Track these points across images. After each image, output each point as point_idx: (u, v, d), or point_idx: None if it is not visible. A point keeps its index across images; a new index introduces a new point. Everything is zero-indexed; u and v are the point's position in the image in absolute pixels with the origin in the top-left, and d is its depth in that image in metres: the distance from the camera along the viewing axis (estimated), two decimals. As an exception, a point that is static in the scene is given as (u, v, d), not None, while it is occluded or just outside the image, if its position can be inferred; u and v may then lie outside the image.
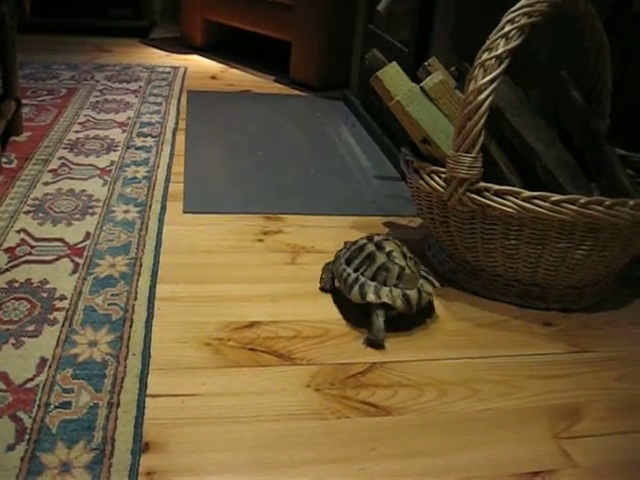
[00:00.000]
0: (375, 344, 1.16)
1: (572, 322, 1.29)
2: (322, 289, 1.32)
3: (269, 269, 1.37)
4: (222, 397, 1.01)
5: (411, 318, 1.22)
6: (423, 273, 1.24)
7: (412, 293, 1.18)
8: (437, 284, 1.25)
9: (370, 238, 1.27)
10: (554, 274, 1.28)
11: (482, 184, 1.21)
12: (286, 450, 0.92)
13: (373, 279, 1.19)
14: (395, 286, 1.18)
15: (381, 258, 1.20)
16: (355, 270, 1.21)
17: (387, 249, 1.22)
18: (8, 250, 1.35)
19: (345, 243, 1.34)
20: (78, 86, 2.51)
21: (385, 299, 1.16)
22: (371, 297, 1.17)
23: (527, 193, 1.19)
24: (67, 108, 2.24)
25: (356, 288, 1.19)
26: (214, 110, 2.35)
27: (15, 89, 1.94)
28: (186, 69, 2.86)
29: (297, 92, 2.68)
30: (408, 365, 1.12)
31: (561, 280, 1.29)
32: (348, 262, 1.24)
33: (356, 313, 1.24)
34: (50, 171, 1.74)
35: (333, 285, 1.30)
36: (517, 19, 1.20)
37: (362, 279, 1.19)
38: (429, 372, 1.11)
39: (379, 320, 1.16)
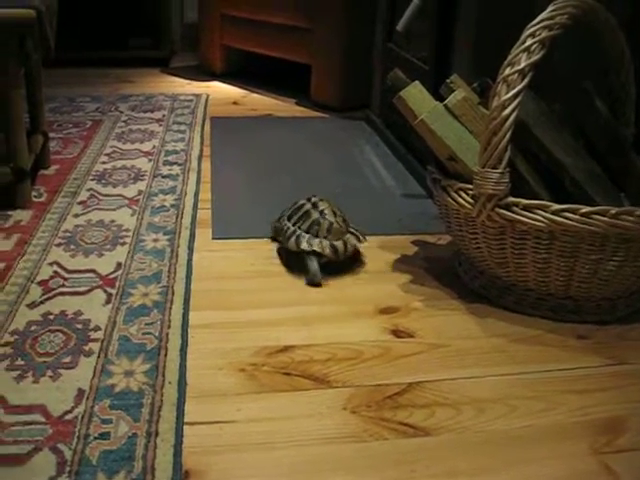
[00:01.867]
0: (314, 284, 1.40)
1: (607, 334, 1.28)
2: (272, 239, 1.57)
3: (299, 292, 1.38)
4: (259, 423, 1.01)
5: (340, 265, 1.46)
6: (351, 229, 1.47)
7: (339, 244, 1.42)
8: (362, 238, 1.48)
9: (309, 199, 1.50)
10: (587, 286, 1.27)
11: (511, 199, 1.21)
12: (325, 474, 0.92)
13: (307, 232, 1.42)
14: (325, 238, 1.41)
15: (315, 214, 1.44)
16: (294, 224, 1.46)
17: (320, 208, 1.46)
18: (42, 283, 1.37)
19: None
20: (103, 117, 2.54)
21: (316, 247, 1.40)
22: (304, 246, 1.40)
23: (557, 206, 1.18)
24: (93, 140, 2.28)
25: (293, 239, 1.43)
26: (237, 135, 2.37)
27: (42, 123, 1.97)
28: (208, 96, 2.89)
29: (319, 114, 2.70)
30: (444, 384, 1.11)
31: (594, 292, 1.28)
32: (289, 218, 1.49)
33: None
34: (79, 203, 1.76)
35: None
36: (538, 32, 1.20)
37: (298, 232, 1.43)
38: (466, 390, 1.10)
39: (313, 264, 1.40)
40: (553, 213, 1.19)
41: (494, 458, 0.96)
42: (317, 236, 1.41)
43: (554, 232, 1.21)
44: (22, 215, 1.67)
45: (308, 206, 1.47)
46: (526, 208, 1.20)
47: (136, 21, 3.52)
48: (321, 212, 1.44)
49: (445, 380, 1.12)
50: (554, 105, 1.40)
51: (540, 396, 1.10)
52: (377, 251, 1.56)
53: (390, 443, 0.98)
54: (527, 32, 1.21)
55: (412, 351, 1.20)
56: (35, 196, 1.78)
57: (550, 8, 1.23)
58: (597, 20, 1.32)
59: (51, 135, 2.15)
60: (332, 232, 1.42)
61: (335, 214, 1.45)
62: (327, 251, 1.40)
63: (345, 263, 1.47)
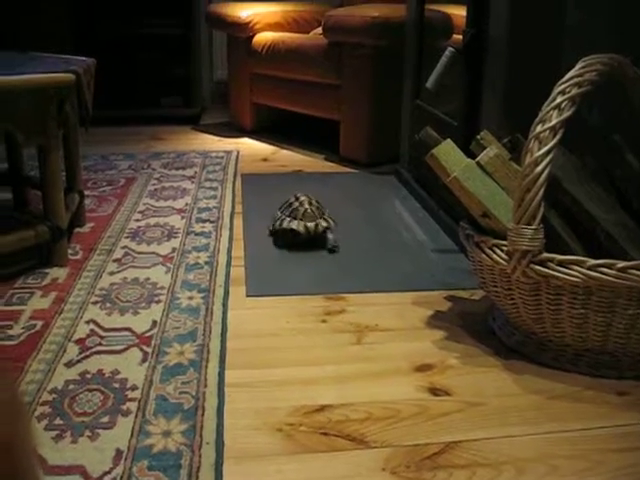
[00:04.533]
0: (283, 245, 1.90)
1: (648, 390, 1.26)
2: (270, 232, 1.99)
3: (335, 350, 1.38)
4: (298, 484, 1.00)
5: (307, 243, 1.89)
6: (325, 216, 1.92)
7: (310, 224, 1.87)
8: (332, 223, 1.92)
9: (295, 194, 1.97)
10: (625, 342, 1.25)
11: (545, 255, 1.21)
12: (366, 537, 0.91)
13: (289, 216, 1.90)
14: (301, 220, 1.88)
15: (295, 204, 1.92)
16: (281, 213, 1.94)
17: (300, 199, 1.94)
18: (79, 341, 1.38)
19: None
20: (136, 175, 2.59)
21: (293, 226, 1.88)
22: (285, 225, 1.89)
23: (592, 261, 1.18)
24: (127, 197, 2.32)
25: (278, 221, 1.92)
26: (268, 192, 2.40)
27: (78, 182, 2.01)
28: (238, 153, 2.93)
29: (348, 169, 2.72)
30: (484, 443, 1.10)
31: (632, 347, 1.27)
32: (280, 209, 1.97)
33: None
34: (114, 260, 1.79)
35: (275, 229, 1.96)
36: (568, 90, 1.22)
37: (283, 216, 1.92)
38: (505, 449, 1.08)
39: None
40: (589, 268, 1.18)
41: (537, 520, 0.95)
42: (295, 219, 1.88)
43: (590, 287, 1.20)
44: (59, 273, 1.70)
45: (292, 199, 1.96)
46: (561, 264, 1.20)
47: (167, 80, 3.60)
48: (300, 202, 1.92)
49: (484, 439, 1.11)
50: (585, 158, 1.41)
51: (582, 455, 1.08)
52: (411, 307, 1.56)
53: (431, 505, 0.97)
54: (557, 89, 1.23)
55: (449, 409, 1.19)
56: (71, 254, 1.81)
57: (579, 65, 1.25)
58: (625, 75, 1.34)
59: (86, 193, 2.19)
60: (306, 216, 1.88)
61: (311, 204, 1.92)
62: (301, 229, 1.87)
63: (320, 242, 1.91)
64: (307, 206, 1.90)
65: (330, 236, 1.90)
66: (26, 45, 3.18)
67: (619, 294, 1.20)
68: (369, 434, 1.11)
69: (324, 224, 1.89)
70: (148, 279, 1.68)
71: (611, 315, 1.22)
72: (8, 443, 0.36)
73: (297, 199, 1.93)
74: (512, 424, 1.15)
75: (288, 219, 1.89)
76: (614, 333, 1.24)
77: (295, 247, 1.89)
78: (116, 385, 1.24)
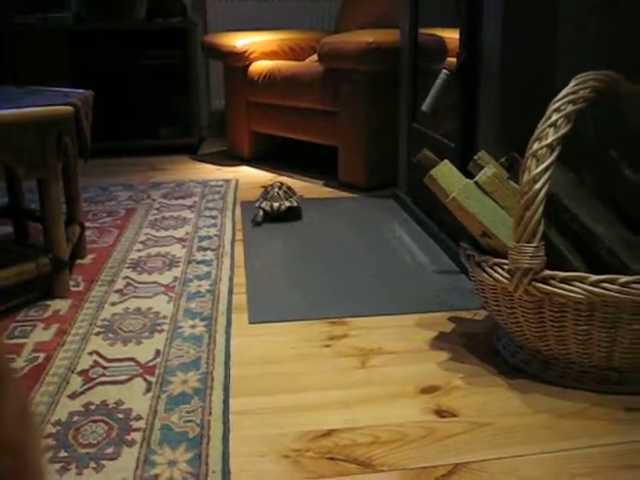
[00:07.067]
0: (255, 224, 2.35)
1: (655, 405, 1.25)
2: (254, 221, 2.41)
3: (340, 374, 1.37)
4: (306, 510, 0.99)
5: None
6: (291, 199, 2.40)
7: (276, 204, 2.36)
8: (295, 203, 2.40)
9: (271, 183, 2.46)
10: (631, 357, 1.25)
11: (547, 272, 1.21)
12: None
13: (263, 199, 2.39)
14: (269, 201, 2.37)
15: (269, 189, 2.41)
16: (260, 196, 2.42)
17: (274, 186, 2.42)
18: (82, 373, 1.38)
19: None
20: (136, 206, 2.60)
21: (262, 205, 2.37)
22: (257, 204, 2.39)
23: (594, 277, 1.18)
24: (127, 228, 2.32)
25: (257, 203, 2.40)
26: (268, 218, 2.41)
27: (79, 214, 2.02)
28: (237, 181, 2.94)
29: (347, 194, 2.73)
30: (492, 464, 1.09)
31: (639, 362, 1.26)
32: (261, 196, 2.43)
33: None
34: (116, 291, 1.79)
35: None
36: (563, 107, 1.23)
37: (260, 199, 2.40)
38: (515, 469, 1.07)
39: (260, 213, 2.36)
40: (591, 284, 1.18)
41: (549, 540, 0.93)
42: (265, 199, 2.37)
43: (593, 303, 1.20)
44: (61, 305, 1.70)
45: (269, 187, 2.43)
46: (563, 280, 1.20)
47: (165, 110, 3.63)
48: (272, 187, 2.41)
49: (492, 460, 1.10)
50: (583, 174, 1.41)
51: (593, 473, 1.07)
52: (414, 329, 1.55)
53: (441, 528, 0.96)
54: (552, 107, 1.23)
55: (456, 431, 1.18)
56: (73, 285, 1.81)
57: (573, 82, 1.26)
58: (619, 90, 1.34)
59: (86, 224, 2.19)
60: (273, 198, 2.37)
61: (280, 188, 2.41)
62: (267, 207, 2.36)
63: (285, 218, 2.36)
64: (276, 190, 2.40)
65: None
66: (24, 77, 3.21)
67: (623, 309, 1.19)
68: (376, 458, 1.10)
69: (287, 204, 2.38)
70: (150, 309, 1.67)
71: (615, 330, 1.22)
72: (19, 445, 0.36)
73: (271, 186, 2.43)
74: (520, 443, 1.14)
75: (261, 200, 2.39)
76: (619, 349, 1.24)
77: (267, 221, 2.37)
78: (120, 415, 1.23)
